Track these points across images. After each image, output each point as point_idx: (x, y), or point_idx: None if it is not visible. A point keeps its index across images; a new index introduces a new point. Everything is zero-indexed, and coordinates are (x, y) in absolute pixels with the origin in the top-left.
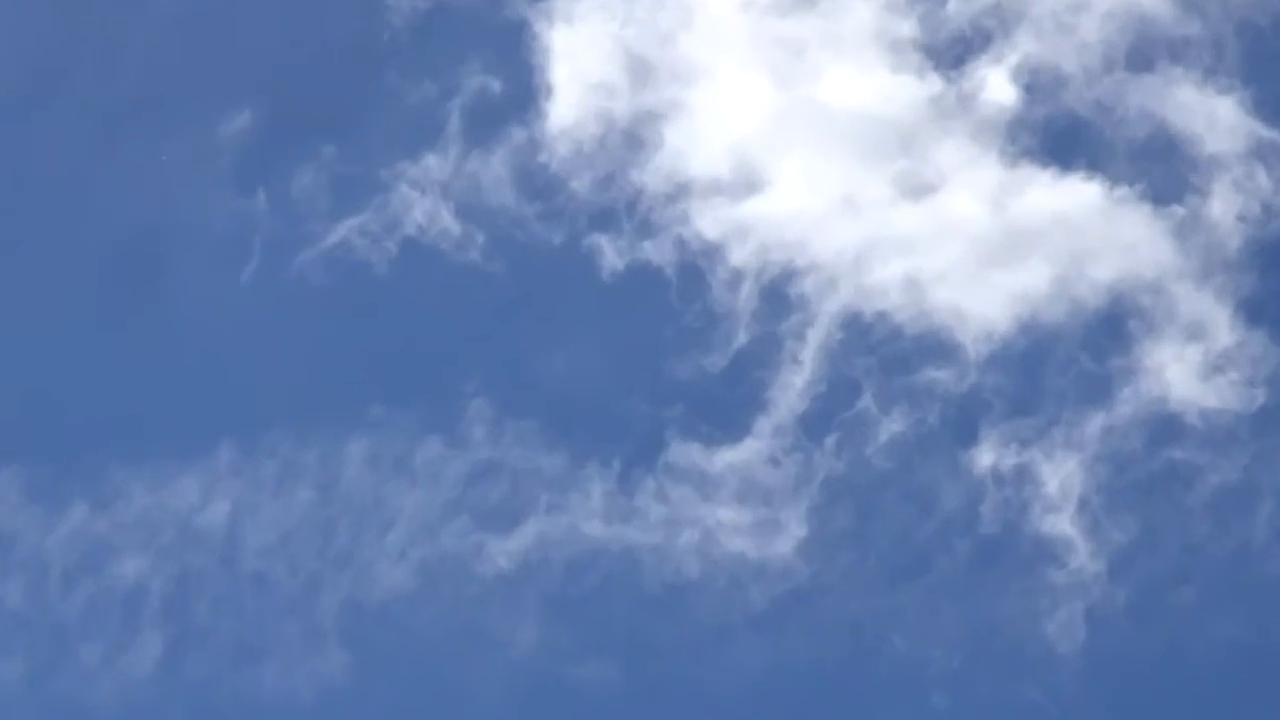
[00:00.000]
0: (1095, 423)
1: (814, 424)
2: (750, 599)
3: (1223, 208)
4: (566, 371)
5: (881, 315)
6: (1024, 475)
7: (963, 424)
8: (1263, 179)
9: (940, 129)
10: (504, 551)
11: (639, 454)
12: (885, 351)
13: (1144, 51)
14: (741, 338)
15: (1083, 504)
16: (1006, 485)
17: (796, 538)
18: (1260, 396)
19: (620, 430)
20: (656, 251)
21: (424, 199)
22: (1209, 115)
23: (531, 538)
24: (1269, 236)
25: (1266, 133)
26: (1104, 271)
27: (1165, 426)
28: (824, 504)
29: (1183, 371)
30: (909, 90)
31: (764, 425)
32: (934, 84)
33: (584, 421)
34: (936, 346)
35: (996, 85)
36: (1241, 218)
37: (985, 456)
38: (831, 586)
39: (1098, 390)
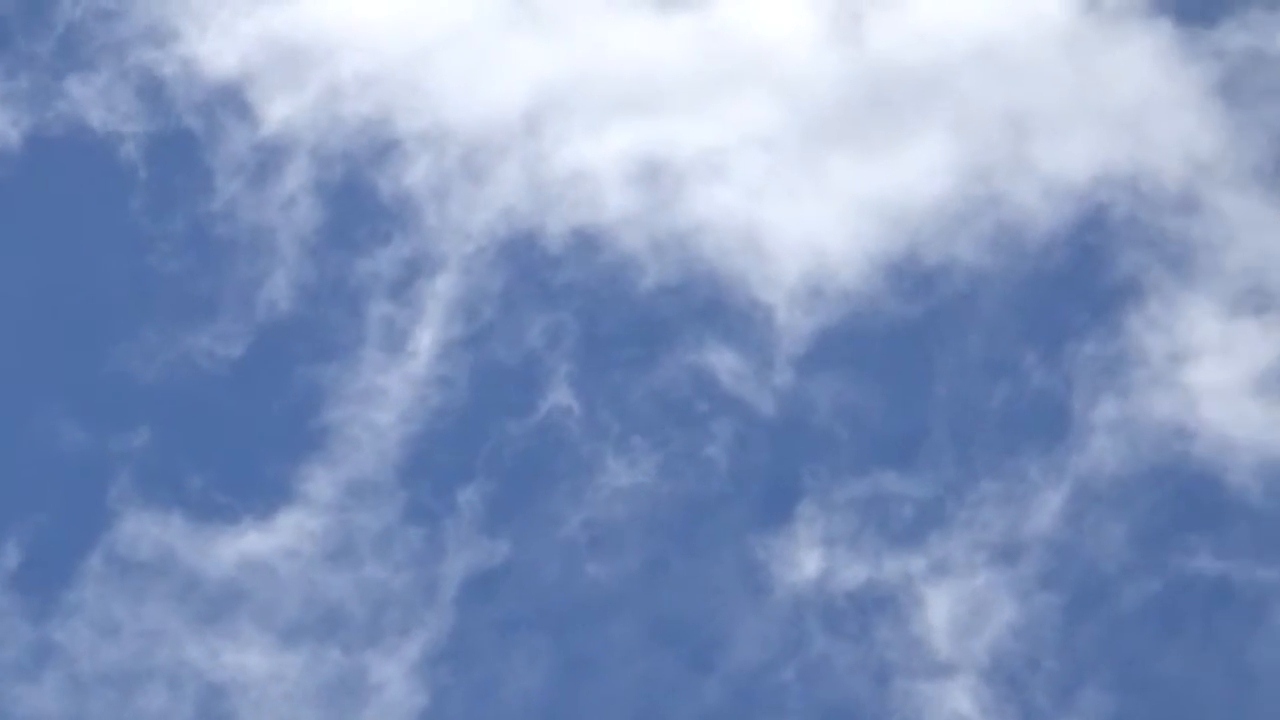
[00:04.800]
0: (1041, 484)
1: (438, 472)
2: None
3: None
4: None
5: (588, 239)
6: (888, 598)
7: (769, 481)
8: None
9: None
10: None
11: (56, 534)
12: (592, 315)
13: None
14: (280, 293)
15: (1005, 664)
16: (848, 619)
17: (406, 716)
18: None
19: (13, 486)
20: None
21: None
22: None
23: None
24: None
25: None
26: (1071, 158)
27: (1190, 487)
28: (466, 647)
29: (1225, 374)
30: None
31: (324, 478)
32: None
33: None
34: (707, 308)
35: None
36: None
37: (810, 556)
38: None
39: (1048, 411)
